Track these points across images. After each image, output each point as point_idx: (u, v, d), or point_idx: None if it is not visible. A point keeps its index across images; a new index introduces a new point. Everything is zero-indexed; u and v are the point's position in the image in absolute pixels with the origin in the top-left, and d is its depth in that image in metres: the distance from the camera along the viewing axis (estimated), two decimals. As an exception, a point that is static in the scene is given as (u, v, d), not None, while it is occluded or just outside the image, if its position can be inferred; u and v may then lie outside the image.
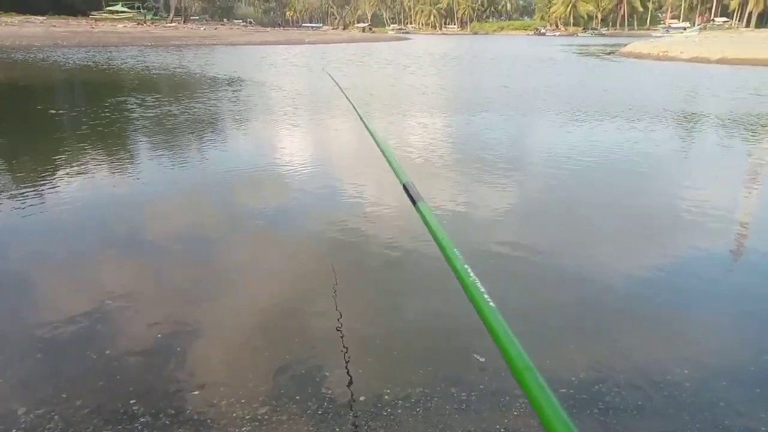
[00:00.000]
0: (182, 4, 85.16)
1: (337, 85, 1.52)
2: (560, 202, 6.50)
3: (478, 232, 5.43)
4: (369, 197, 6.40)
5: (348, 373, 3.18)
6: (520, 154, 9.13)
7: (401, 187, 1.01)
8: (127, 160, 8.25)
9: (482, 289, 0.65)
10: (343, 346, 3.46)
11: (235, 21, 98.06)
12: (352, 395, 2.98)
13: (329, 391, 3.00)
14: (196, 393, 2.98)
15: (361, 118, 1.25)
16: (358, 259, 4.84)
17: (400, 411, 2.85)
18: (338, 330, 3.65)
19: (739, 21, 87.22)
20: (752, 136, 10.87)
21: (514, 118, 12.93)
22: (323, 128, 11.31)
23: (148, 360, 3.28)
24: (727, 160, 9.01)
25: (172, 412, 2.82)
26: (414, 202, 0.90)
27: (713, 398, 2.96)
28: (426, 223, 0.81)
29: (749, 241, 5.36)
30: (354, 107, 1.30)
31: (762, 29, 66.67)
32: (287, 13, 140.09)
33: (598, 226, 5.73)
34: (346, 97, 1.45)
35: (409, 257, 4.77)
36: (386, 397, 2.97)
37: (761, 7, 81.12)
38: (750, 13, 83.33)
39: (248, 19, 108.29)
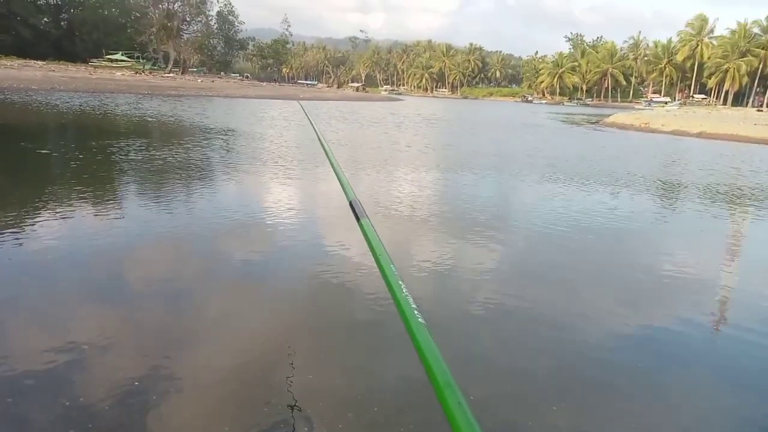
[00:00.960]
0: (181, 56, 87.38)
1: (303, 110, 1.66)
2: (539, 265, 6.56)
3: (457, 292, 5.45)
4: (343, 247, 6.44)
5: (325, 419, 3.12)
6: (500, 216, 9.27)
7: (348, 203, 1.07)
8: (109, 204, 8.24)
9: (413, 305, 0.67)
10: (322, 402, 3.40)
11: (232, 74, 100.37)
12: (330, 453, 2.91)
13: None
14: (168, 444, 2.89)
15: (318, 138, 1.33)
16: (339, 309, 4.82)
17: (378, 470, 2.78)
18: (316, 385, 3.60)
19: (716, 98, 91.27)
20: (731, 208, 11.19)
21: (498, 180, 13.21)
22: (306, 178, 11.46)
23: (122, 410, 3.19)
24: (705, 231, 9.22)
25: (143, 464, 2.72)
26: (358, 218, 0.93)
27: (695, 468, 2.93)
28: (366, 238, 0.84)
29: (726, 309, 5.43)
30: (313, 127, 1.39)
31: (738, 107, 69.73)
32: (284, 70, 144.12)
33: (577, 291, 5.77)
34: (308, 119, 1.55)
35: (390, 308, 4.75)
36: (365, 455, 2.91)
37: (737, 86, 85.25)
38: (726, 92, 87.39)
39: (245, 74, 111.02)
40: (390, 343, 4.28)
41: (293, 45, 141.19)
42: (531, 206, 10.24)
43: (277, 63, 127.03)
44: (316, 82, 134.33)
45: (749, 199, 12.22)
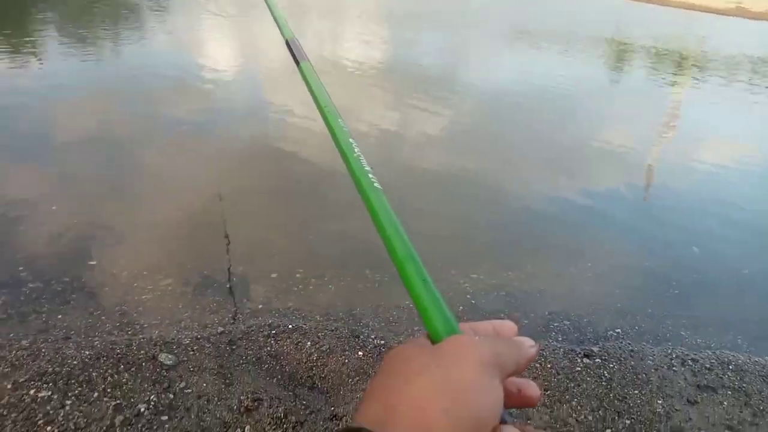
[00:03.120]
0: None
1: None
2: (481, 128, 6.47)
3: (401, 152, 5.35)
4: (280, 96, 6.11)
5: (260, 251, 3.09)
6: (446, 74, 8.99)
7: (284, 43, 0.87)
8: (23, 47, 7.35)
9: (367, 167, 0.56)
10: (255, 227, 3.35)
11: None
12: (263, 273, 2.90)
13: (239, 267, 2.91)
14: (93, 263, 2.79)
15: None
16: (273, 152, 4.65)
17: (311, 287, 2.82)
18: (250, 213, 3.53)
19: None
20: (677, 73, 11.29)
21: (444, 34, 12.66)
22: (233, 18, 10.56)
23: (40, 233, 3.02)
24: (650, 96, 9.32)
25: (66, 279, 2.63)
26: (297, 61, 0.78)
27: (618, 291, 3.14)
28: (308, 86, 0.71)
29: (655, 174, 5.62)
30: None
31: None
32: None
33: (516, 154, 5.76)
34: None
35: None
36: (298, 275, 2.92)
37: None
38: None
39: None
40: (333, 178, 4.21)
41: None
42: (477, 65, 9.96)
43: None
44: None
45: (693, 67, 12.34)
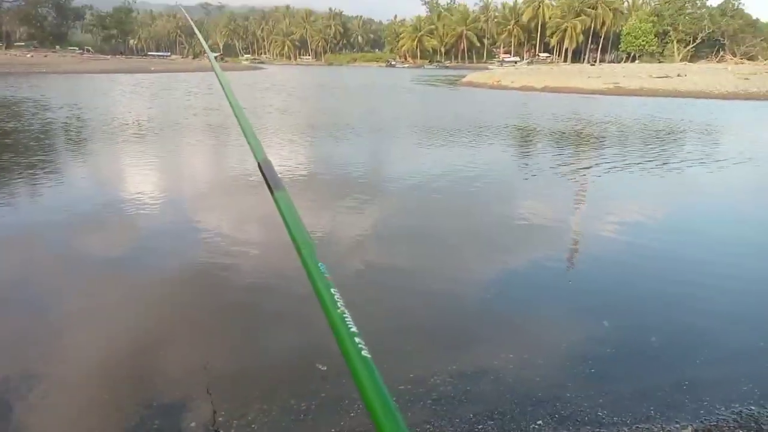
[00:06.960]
0: (2, 28, 76.40)
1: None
2: (411, 220, 6.77)
3: (333, 250, 5.46)
4: (230, 223, 6.16)
5: (183, 400, 2.98)
6: (375, 178, 9.40)
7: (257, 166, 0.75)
8: None
9: (353, 329, 0.47)
10: (184, 372, 3.25)
11: (70, 48, 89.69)
12: (185, 421, 2.79)
13: (166, 418, 2.78)
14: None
15: (222, 85, 1.06)
16: (211, 291, 4.61)
17: (233, 431, 2.72)
18: (171, 361, 3.42)
19: (558, 56, 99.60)
20: (576, 150, 12.35)
21: (371, 142, 13.35)
22: (173, 152, 10.73)
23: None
24: (557, 174, 10.08)
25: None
26: (271, 190, 0.67)
27: (539, 378, 3.24)
28: (284, 220, 0.61)
29: (578, 248, 6.00)
30: (216, 71, 1.09)
31: (576, 63, 76.69)
32: (131, 41, 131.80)
33: (447, 242, 6.04)
34: (210, 59, 1.10)
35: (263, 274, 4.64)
36: (221, 418, 2.83)
37: (574, 44, 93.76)
38: (566, 50, 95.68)
39: (85, 47, 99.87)
40: (267, 307, 4.19)
41: (138, 13, 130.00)
42: (403, 167, 10.49)
43: (123, 34, 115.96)
44: (168, 53, 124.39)
45: (589, 143, 13.56)
